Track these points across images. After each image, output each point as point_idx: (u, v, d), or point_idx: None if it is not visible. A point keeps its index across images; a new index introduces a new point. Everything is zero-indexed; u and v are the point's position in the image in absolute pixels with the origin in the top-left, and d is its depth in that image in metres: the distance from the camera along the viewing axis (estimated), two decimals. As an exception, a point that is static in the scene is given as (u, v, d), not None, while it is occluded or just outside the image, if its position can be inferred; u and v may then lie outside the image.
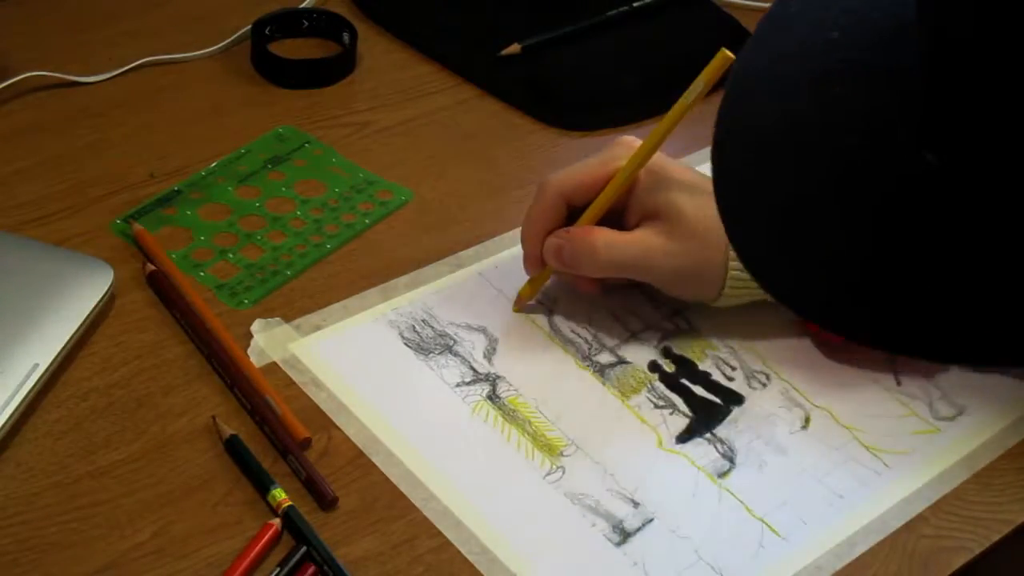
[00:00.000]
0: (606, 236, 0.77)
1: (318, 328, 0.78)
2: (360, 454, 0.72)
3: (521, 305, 0.81)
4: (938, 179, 0.41)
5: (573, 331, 0.81)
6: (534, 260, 0.79)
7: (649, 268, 0.77)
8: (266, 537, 0.66)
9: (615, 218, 0.78)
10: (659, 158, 0.77)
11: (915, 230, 0.42)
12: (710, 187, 0.78)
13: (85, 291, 0.76)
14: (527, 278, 0.81)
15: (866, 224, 0.44)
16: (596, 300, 0.82)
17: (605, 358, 0.79)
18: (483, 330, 0.80)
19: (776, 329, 0.83)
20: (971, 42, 0.39)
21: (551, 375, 0.78)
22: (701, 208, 0.76)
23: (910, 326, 0.43)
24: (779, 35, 0.48)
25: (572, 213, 0.79)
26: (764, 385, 0.79)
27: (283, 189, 0.88)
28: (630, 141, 0.78)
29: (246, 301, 0.79)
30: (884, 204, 0.43)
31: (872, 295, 0.44)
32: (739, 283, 0.77)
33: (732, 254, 0.76)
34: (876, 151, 0.43)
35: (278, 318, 0.78)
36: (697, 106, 0.74)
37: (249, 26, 0.98)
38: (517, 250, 0.85)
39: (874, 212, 0.43)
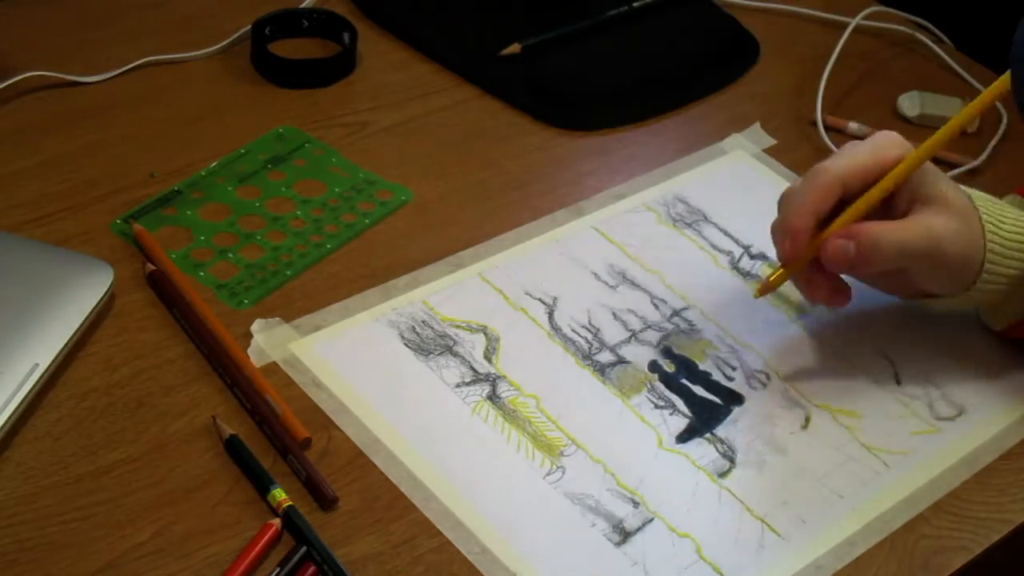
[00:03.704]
0: (886, 227, 0.75)
1: (318, 328, 0.78)
2: (360, 454, 0.72)
3: (766, 290, 0.78)
4: None
5: (573, 330, 0.81)
6: (798, 248, 0.75)
7: (938, 249, 0.75)
8: (266, 537, 0.66)
9: (880, 208, 0.76)
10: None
11: None
12: (959, 187, 0.79)
13: (85, 291, 0.76)
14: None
15: None
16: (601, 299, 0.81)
17: (605, 358, 0.79)
18: (483, 330, 0.80)
19: (776, 329, 0.83)
20: None
21: (551, 375, 0.78)
22: (963, 198, 0.76)
23: None
24: None
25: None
26: (764, 385, 0.79)
27: (283, 189, 0.88)
28: (895, 135, 0.77)
29: (246, 301, 0.79)
30: None
31: None
32: (993, 277, 0.77)
33: (988, 245, 0.76)
34: None
35: (278, 318, 0.78)
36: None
37: (249, 26, 0.98)
38: (517, 250, 0.85)
39: None
